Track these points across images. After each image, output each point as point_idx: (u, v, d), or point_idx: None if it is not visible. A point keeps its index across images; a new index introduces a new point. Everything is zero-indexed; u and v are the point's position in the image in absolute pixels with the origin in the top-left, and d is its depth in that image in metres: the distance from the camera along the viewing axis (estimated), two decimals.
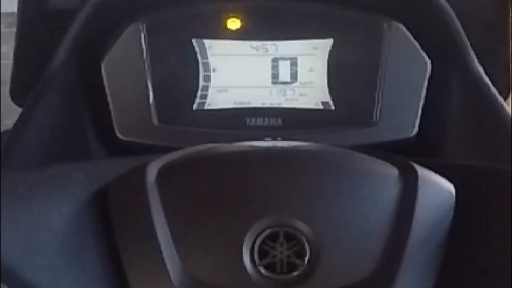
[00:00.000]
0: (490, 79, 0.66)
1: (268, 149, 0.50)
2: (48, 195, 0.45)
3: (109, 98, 0.66)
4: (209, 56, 0.67)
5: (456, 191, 0.47)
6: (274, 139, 0.62)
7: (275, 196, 0.44)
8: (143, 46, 0.66)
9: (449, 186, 0.47)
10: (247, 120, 0.67)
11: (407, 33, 0.66)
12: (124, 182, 0.47)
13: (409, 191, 0.45)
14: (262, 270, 0.43)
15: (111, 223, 0.45)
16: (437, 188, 0.46)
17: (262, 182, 0.45)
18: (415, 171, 0.46)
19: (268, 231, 0.44)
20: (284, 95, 0.67)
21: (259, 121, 0.67)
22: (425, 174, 0.47)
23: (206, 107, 0.67)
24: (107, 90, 0.66)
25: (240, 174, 0.46)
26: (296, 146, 0.50)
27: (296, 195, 0.45)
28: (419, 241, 0.44)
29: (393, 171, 0.47)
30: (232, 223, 0.44)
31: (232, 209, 0.44)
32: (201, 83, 0.67)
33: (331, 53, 0.67)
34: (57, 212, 0.44)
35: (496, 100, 0.64)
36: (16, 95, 0.72)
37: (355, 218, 0.44)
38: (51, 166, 0.51)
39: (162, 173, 0.47)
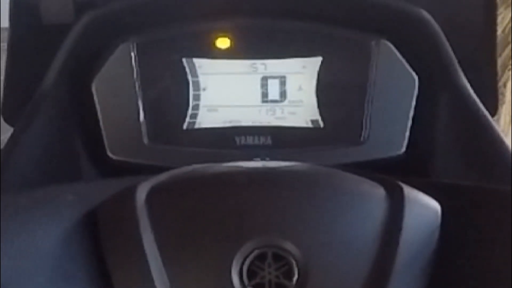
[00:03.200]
0: (478, 96, 0.66)
1: (256, 170, 0.50)
2: (38, 218, 0.45)
3: (99, 118, 0.66)
4: (199, 75, 0.67)
5: (443, 210, 0.47)
6: (263, 159, 0.63)
7: (262, 217, 0.45)
8: (133, 65, 0.66)
9: (435, 205, 0.47)
10: (237, 139, 0.67)
11: (395, 50, 0.67)
12: (113, 203, 0.47)
13: (396, 210, 0.46)
14: None
15: (101, 244, 0.46)
16: (423, 207, 0.47)
17: (250, 203, 0.45)
18: (402, 191, 0.47)
19: (256, 252, 0.44)
20: (274, 113, 0.68)
21: (249, 140, 0.67)
22: (411, 194, 0.47)
23: (196, 126, 0.67)
24: (97, 109, 0.66)
25: (229, 195, 0.46)
26: (284, 167, 0.50)
27: (284, 216, 0.45)
28: (406, 260, 0.44)
29: (380, 191, 0.47)
30: (221, 244, 0.44)
31: (221, 230, 0.45)
32: (191, 102, 0.67)
33: (320, 71, 0.67)
34: (47, 234, 0.44)
35: (484, 117, 0.64)
36: (7, 115, 0.72)
37: (343, 238, 0.45)
38: (41, 188, 0.51)
39: (152, 195, 0.47)
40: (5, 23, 0.74)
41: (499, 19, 1.12)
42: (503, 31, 1.15)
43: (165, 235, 0.45)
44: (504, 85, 1.16)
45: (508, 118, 1.19)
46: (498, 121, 1.09)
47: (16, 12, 0.72)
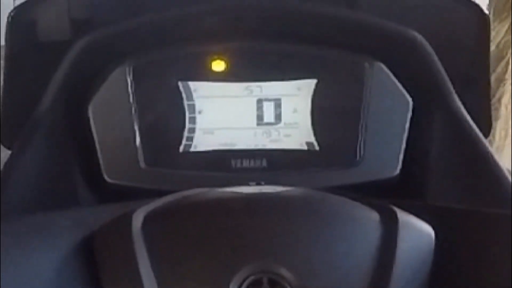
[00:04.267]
0: (471, 116, 0.67)
1: (251, 196, 0.51)
2: (34, 244, 0.45)
3: (96, 142, 0.66)
4: (195, 98, 0.67)
5: (437, 234, 0.48)
6: (258, 183, 0.63)
7: (258, 243, 0.45)
8: (129, 89, 0.67)
9: (429, 230, 0.47)
10: (233, 162, 0.68)
11: (389, 72, 0.67)
12: (109, 229, 0.47)
13: (390, 235, 0.46)
14: None
15: (98, 270, 0.46)
16: (417, 232, 0.47)
17: (245, 229, 0.46)
18: (395, 215, 0.47)
19: (251, 278, 0.44)
20: (269, 136, 0.68)
21: (245, 163, 0.68)
22: (405, 218, 0.47)
23: (192, 149, 0.68)
24: (94, 133, 0.66)
25: (224, 221, 0.46)
26: (279, 192, 0.51)
27: (279, 241, 0.45)
28: (400, 285, 0.45)
29: (374, 216, 0.47)
30: (217, 270, 0.44)
31: (217, 256, 0.45)
32: (187, 125, 0.67)
33: (314, 93, 0.68)
34: (44, 261, 0.44)
35: (478, 138, 0.65)
36: (4, 137, 0.72)
37: (337, 263, 0.45)
38: (38, 214, 0.51)
39: (148, 220, 0.47)
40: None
41: (493, 34, 1.13)
42: (497, 46, 1.15)
43: (161, 261, 0.45)
44: (499, 101, 1.16)
45: (503, 133, 1.19)
46: (493, 136, 1.09)
47: (12, 29, 0.72)
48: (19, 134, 0.66)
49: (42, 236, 0.46)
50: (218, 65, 0.68)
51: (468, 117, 0.66)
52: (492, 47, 1.10)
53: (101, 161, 0.66)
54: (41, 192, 0.63)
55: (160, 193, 0.51)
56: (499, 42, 1.16)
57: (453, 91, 0.67)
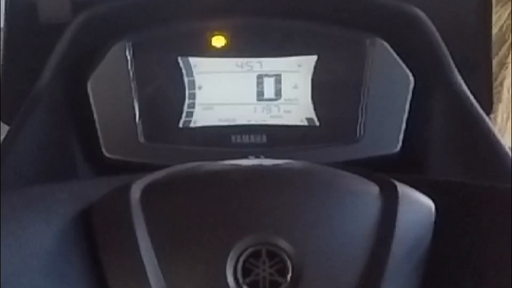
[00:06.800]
0: (473, 94, 0.66)
1: (250, 168, 0.51)
2: (33, 216, 0.45)
3: (95, 117, 0.66)
4: (195, 74, 0.67)
5: (437, 208, 0.47)
6: (257, 157, 0.63)
7: (257, 215, 0.45)
8: (129, 64, 0.66)
9: (429, 203, 0.47)
10: (233, 138, 0.67)
11: (390, 49, 0.67)
12: (108, 201, 0.47)
13: (390, 208, 0.46)
14: None
15: (96, 242, 0.46)
16: (417, 205, 0.47)
17: (244, 201, 0.45)
18: (396, 189, 0.47)
19: (250, 249, 0.44)
20: (269, 112, 0.68)
21: (245, 139, 0.67)
22: (405, 191, 0.47)
23: (192, 124, 0.67)
24: (93, 108, 0.66)
25: (222, 193, 0.46)
26: (278, 165, 0.50)
27: (278, 214, 0.45)
28: (400, 258, 0.45)
29: (374, 189, 0.47)
30: (215, 242, 0.44)
31: (215, 228, 0.45)
32: (187, 100, 0.67)
33: (315, 69, 0.67)
34: (42, 233, 0.44)
35: (479, 115, 0.64)
36: (5, 114, 0.72)
37: (336, 236, 0.45)
38: (36, 186, 0.51)
39: (146, 193, 0.47)
40: None
41: (495, 17, 1.12)
42: (500, 29, 1.15)
43: (160, 233, 0.45)
44: (501, 84, 1.16)
45: (505, 116, 1.19)
46: (495, 119, 1.09)
47: (12, 11, 0.72)
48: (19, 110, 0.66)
49: (40, 208, 0.46)
50: (218, 41, 0.68)
51: (469, 93, 0.66)
52: (495, 30, 1.09)
53: (100, 136, 0.66)
54: (40, 166, 0.63)
55: (159, 168, 0.51)
56: (502, 26, 1.15)
57: (455, 68, 0.67)
